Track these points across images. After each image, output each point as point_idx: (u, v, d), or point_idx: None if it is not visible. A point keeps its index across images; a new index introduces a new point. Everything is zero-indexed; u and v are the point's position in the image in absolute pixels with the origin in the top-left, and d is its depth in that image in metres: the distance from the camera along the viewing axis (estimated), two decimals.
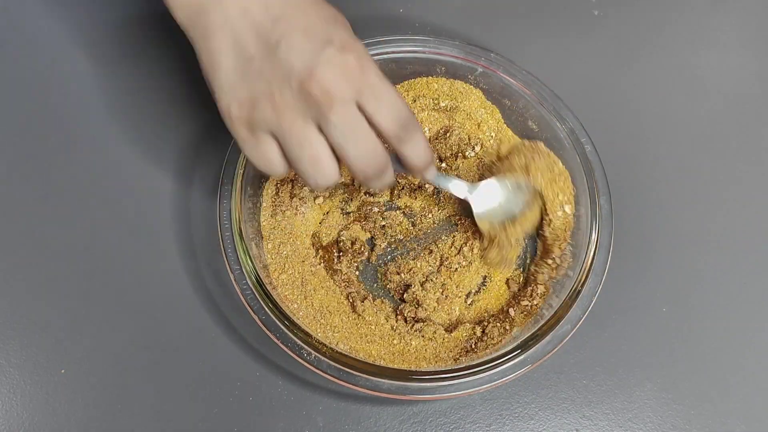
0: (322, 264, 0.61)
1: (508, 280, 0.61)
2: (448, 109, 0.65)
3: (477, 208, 0.60)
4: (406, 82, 0.65)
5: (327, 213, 0.63)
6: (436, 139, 0.65)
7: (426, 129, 0.65)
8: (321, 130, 0.46)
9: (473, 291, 0.60)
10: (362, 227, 0.62)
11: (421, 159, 0.51)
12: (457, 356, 0.56)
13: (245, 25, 0.47)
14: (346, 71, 0.45)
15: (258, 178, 0.60)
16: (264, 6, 0.47)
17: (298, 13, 0.47)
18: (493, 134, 0.65)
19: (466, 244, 0.61)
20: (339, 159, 0.48)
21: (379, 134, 0.48)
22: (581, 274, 0.55)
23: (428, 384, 0.51)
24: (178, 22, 0.49)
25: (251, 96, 0.46)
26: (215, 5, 0.47)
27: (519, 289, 0.60)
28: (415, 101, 0.65)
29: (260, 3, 0.47)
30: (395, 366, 0.55)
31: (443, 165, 0.64)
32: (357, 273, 0.61)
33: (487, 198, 0.60)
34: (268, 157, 0.48)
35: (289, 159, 0.48)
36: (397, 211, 0.63)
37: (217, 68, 0.48)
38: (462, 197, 0.59)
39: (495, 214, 0.60)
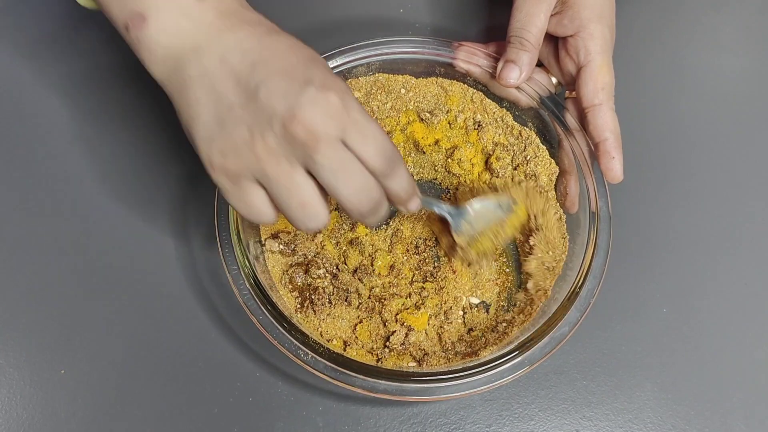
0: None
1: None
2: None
3: (457, 228, 0.60)
4: (402, 77, 0.65)
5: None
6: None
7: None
8: (309, 171, 0.45)
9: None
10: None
11: (406, 191, 0.50)
12: (464, 349, 0.57)
13: (223, 73, 0.45)
14: (328, 110, 0.44)
15: None
16: (241, 52, 0.46)
17: (276, 57, 0.46)
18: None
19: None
20: (329, 200, 0.47)
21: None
22: (579, 275, 0.55)
23: (426, 385, 0.51)
24: (155, 78, 0.48)
25: (233, 144, 0.45)
26: (193, 57, 0.46)
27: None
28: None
29: (237, 50, 0.46)
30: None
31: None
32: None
33: (470, 218, 0.60)
34: (256, 206, 0.47)
35: (277, 204, 0.47)
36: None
37: (196, 119, 0.46)
38: (445, 216, 0.59)
39: (475, 233, 0.60)
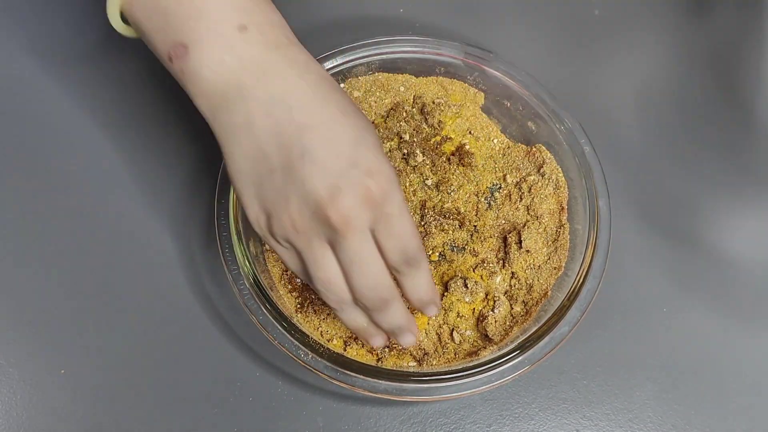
0: None
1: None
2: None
3: None
4: (402, 76, 0.65)
5: None
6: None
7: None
8: (333, 247, 0.46)
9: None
10: None
11: (419, 296, 0.50)
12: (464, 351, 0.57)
13: (268, 128, 0.44)
14: (366, 199, 0.44)
15: None
16: (288, 109, 0.44)
17: (325, 124, 0.44)
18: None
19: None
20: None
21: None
22: (579, 275, 0.55)
23: (425, 385, 0.51)
24: (200, 111, 0.47)
25: (270, 208, 0.45)
26: (239, 102, 0.45)
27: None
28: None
29: (284, 103, 0.44)
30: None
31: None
32: None
33: None
34: (291, 265, 0.49)
35: (306, 271, 0.48)
36: None
37: (237, 171, 0.46)
38: None
39: None
